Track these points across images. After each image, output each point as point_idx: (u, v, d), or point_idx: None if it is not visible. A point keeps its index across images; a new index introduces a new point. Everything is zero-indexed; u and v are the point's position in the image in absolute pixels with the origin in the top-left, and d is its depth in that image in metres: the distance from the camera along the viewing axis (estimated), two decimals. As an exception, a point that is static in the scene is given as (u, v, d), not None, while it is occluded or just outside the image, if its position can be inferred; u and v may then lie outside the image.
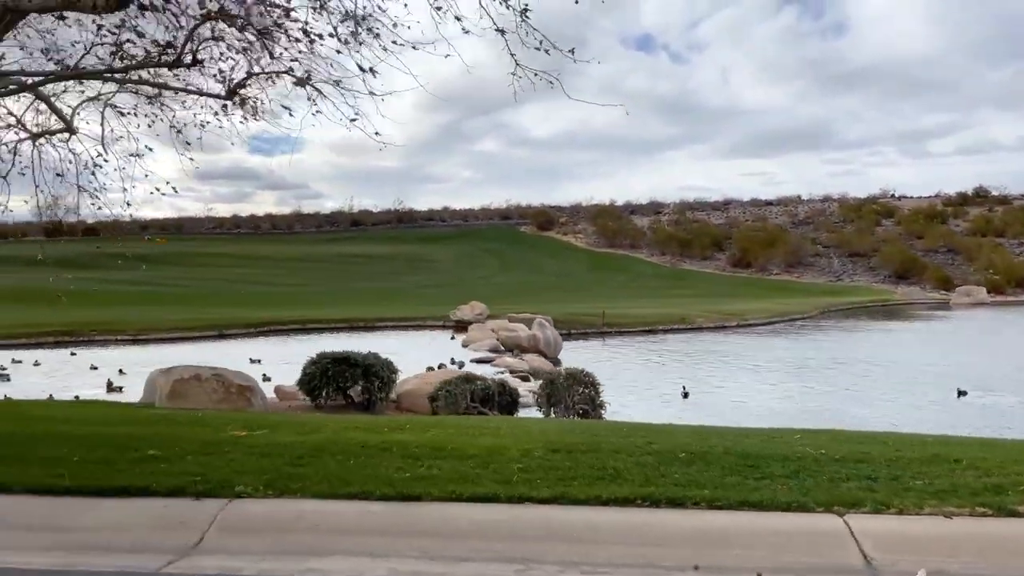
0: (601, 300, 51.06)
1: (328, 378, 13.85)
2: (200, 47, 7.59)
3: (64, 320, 29.59)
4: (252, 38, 7.63)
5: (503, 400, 13.77)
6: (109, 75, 8.21)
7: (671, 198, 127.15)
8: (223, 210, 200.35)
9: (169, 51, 7.66)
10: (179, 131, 8.92)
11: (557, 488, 5.30)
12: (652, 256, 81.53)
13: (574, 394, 13.39)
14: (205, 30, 7.52)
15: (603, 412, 13.78)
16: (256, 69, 8.10)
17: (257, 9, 7.43)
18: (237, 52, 7.89)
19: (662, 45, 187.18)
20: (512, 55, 6.73)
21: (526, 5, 6.43)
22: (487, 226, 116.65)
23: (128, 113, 9.06)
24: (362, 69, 7.33)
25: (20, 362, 23.12)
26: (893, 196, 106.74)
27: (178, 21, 7.48)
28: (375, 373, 14.03)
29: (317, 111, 7.95)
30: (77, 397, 15.59)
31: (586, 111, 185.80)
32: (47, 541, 4.73)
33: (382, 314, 38.68)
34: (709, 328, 38.22)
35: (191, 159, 9.15)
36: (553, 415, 13.40)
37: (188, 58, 7.57)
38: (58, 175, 9.08)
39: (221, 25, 7.45)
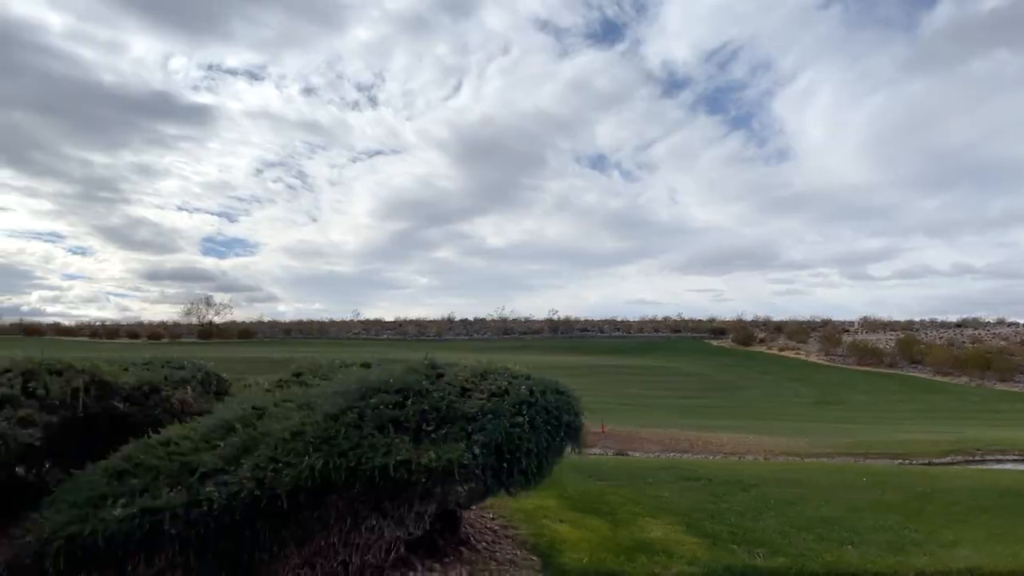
0: (1007, 428, 38.25)
1: None
2: None
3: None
4: None
5: None
6: None
7: (624, 311, 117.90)
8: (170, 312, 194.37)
9: None
10: None
11: None
12: (935, 376, 68.39)
13: None
14: None
15: None
16: None
17: None
18: None
19: (614, 164, 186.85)
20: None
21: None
22: (663, 338, 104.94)
23: None
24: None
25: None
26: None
27: None
28: None
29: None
30: None
31: (539, 223, 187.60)
32: None
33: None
34: None
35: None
36: None
37: None
38: None
39: None
